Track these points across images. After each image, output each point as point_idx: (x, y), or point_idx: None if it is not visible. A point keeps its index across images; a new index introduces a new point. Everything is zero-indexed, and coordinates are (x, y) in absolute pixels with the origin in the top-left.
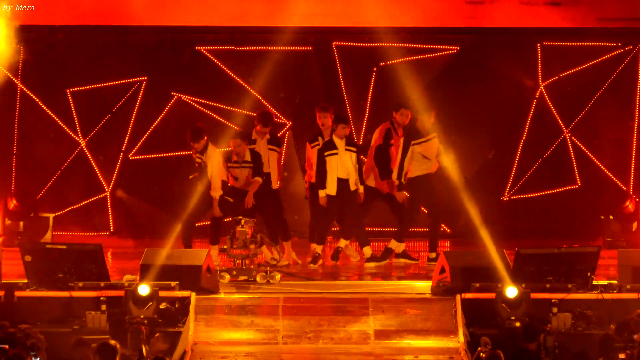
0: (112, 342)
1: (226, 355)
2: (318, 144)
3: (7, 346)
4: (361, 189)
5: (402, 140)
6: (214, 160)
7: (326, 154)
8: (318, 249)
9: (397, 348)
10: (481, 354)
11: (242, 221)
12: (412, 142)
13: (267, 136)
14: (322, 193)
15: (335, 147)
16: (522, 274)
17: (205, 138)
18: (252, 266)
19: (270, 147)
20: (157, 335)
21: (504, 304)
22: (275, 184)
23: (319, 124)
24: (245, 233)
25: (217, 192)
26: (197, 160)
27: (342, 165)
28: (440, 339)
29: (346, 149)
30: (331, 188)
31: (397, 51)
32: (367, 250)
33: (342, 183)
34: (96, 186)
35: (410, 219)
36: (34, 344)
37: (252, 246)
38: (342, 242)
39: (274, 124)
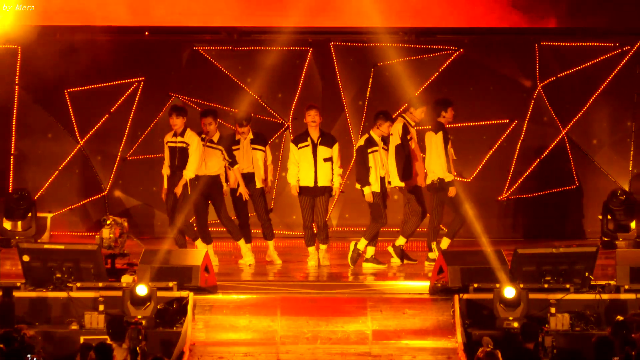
0: (108, 341)
1: (224, 356)
2: (307, 145)
3: (2, 345)
4: (389, 187)
5: (440, 134)
6: (196, 140)
7: (369, 150)
8: (371, 250)
9: (395, 348)
10: (479, 353)
11: (108, 221)
12: (450, 137)
13: (250, 136)
14: (367, 190)
15: (376, 144)
16: (520, 274)
17: (186, 119)
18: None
19: (254, 146)
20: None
21: (502, 304)
22: (261, 183)
23: (308, 122)
24: (110, 233)
25: (190, 174)
26: (178, 144)
27: (382, 162)
28: (438, 339)
29: (382, 148)
30: (375, 184)
31: (395, 51)
32: (370, 250)
33: (381, 180)
34: (94, 186)
35: (437, 221)
36: (30, 344)
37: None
38: (363, 243)
39: (250, 121)
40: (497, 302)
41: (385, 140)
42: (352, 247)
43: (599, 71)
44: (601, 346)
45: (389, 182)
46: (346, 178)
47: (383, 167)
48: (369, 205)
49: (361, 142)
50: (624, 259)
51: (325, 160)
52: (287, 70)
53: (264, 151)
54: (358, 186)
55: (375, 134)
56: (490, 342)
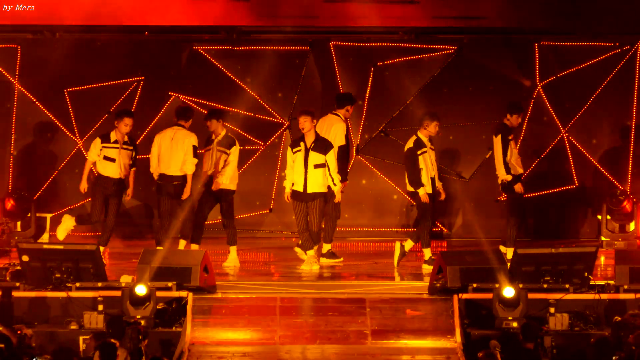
0: (113, 340)
1: (223, 355)
2: (299, 150)
3: (1, 345)
4: (440, 184)
5: (499, 137)
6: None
7: (419, 152)
8: (428, 252)
9: (394, 348)
10: (478, 353)
11: None
12: (509, 138)
13: (220, 137)
14: (422, 191)
15: (424, 145)
16: (519, 274)
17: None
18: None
19: (219, 148)
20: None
21: (502, 304)
22: (217, 186)
23: (300, 128)
24: None
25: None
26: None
27: (431, 162)
28: (438, 339)
29: (430, 148)
30: (428, 186)
31: (395, 51)
32: (428, 252)
33: (432, 180)
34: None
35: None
36: (29, 345)
37: None
38: (409, 244)
39: (212, 116)
40: (497, 302)
41: (432, 140)
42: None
43: (599, 71)
44: (600, 346)
45: (440, 180)
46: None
47: (433, 167)
48: (417, 205)
49: (410, 144)
50: (623, 259)
51: (317, 166)
52: (287, 69)
53: (228, 154)
54: (411, 189)
55: (422, 135)
56: (498, 346)
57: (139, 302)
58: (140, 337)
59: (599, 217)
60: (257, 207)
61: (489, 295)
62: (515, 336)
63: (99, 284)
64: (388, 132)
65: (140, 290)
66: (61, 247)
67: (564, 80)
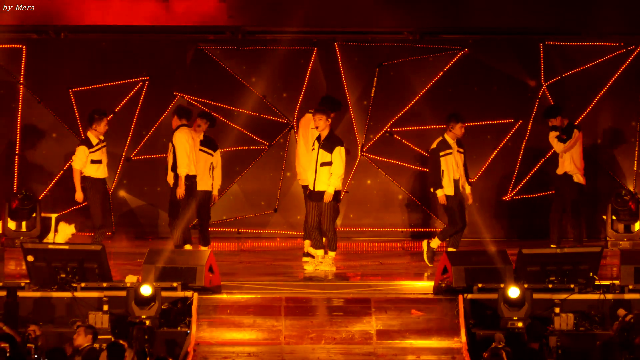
0: (121, 341)
1: (228, 356)
2: (314, 148)
3: (6, 345)
4: (468, 189)
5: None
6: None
7: (441, 154)
8: (436, 242)
9: (400, 348)
10: (484, 353)
11: None
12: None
13: (200, 137)
14: (439, 193)
15: (450, 147)
16: (524, 274)
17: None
18: None
19: (202, 148)
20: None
21: (507, 304)
22: (200, 186)
23: (315, 126)
24: None
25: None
26: None
27: (456, 165)
28: (443, 339)
29: (457, 150)
30: (449, 188)
31: (400, 51)
32: (436, 242)
33: (455, 183)
34: None
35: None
36: (34, 345)
37: None
38: (435, 243)
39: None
40: (502, 302)
41: (460, 142)
42: (425, 247)
43: (604, 71)
44: (606, 348)
45: (463, 187)
46: (350, 178)
47: (457, 169)
48: (444, 210)
49: (434, 144)
50: (628, 259)
51: (323, 164)
52: (292, 69)
53: (212, 155)
54: (432, 189)
55: (448, 137)
56: (503, 339)
57: (144, 302)
58: (146, 337)
59: (604, 217)
60: (262, 207)
61: (494, 296)
62: (521, 336)
63: (104, 284)
64: (393, 132)
65: (146, 290)
66: (66, 247)
67: (569, 80)
